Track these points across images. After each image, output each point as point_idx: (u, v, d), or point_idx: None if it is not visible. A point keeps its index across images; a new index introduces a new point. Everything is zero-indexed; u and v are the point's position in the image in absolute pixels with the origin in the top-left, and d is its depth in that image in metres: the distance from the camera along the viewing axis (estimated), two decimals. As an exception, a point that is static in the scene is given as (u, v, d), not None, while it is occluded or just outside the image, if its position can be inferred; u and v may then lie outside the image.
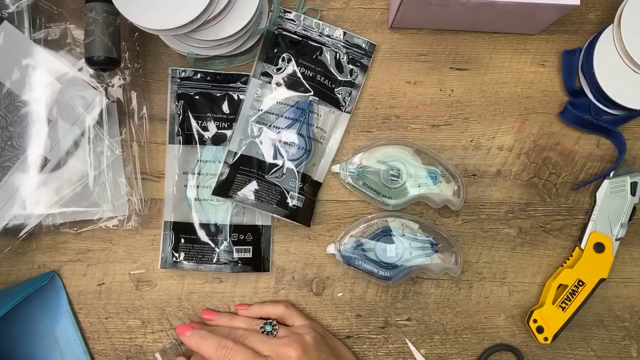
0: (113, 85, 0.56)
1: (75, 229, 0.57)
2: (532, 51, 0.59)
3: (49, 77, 0.53)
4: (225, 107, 0.57)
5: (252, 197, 0.55)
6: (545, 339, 0.56)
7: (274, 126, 0.56)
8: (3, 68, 0.53)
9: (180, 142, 0.57)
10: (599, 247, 0.57)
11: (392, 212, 0.57)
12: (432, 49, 0.59)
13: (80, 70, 0.55)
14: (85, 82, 0.54)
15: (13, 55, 0.53)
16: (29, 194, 0.54)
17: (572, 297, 0.56)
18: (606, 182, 0.58)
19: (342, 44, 0.58)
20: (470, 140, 0.59)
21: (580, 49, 0.58)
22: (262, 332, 0.52)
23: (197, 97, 0.57)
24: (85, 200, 0.55)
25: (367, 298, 0.58)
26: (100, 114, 0.54)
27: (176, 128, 0.57)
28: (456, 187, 0.56)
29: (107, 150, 0.55)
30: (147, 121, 0.57)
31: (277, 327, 0.53)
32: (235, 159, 0.56)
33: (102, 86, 0.55)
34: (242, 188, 0.55)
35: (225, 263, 0.56)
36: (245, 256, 0.57)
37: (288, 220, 0.56)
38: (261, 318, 0.55)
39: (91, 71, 0.55)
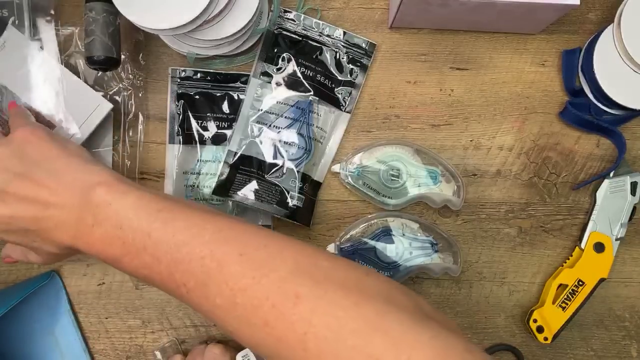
0: (113, 85, 0.56)
1: (75, 228, 0.57)
2: (532, 51, 0.59)
3: (50, 78, 0.53)
4: (225, 107, 0.57)
5: (252, 196, 0.55)
6: (545, 338, 0.56)
7: (274, 126, 0.56)
8: (4, 69, 0.53)
9: (180, 141, 0.57)
10: (599, 247, 0.57)
11: (392, 212, 0.57)
12: (432, 49, 0.59)
13: (80, 71, 0.55)
14: (85, 84, 0.54)
15: (14, 56, 0.53)
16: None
17: (572, 297, 0.56)
18: (606, 181, 0.58)
19: (342, 43, 0.58)
20: (470, 140, 0.59)
21: (580, 49, 0.58)
22: None
23: (197, 96, 0.57)
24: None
25: (367, 298, 0.58)
26: (101, 114, 0.54)
27: (176, 128, 0.57)
28: (456, 186, 0.56)
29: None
30: (147, 121, 0.57)
31: None
32: (235, 158, 0.56)
33: (102, 86, 0.55)
34: (242, 188, 0.55)
35: (225, 263, 0.56)
36: (245, 256, 0.57)
37: (288, 220, 0.55)
38: None
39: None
